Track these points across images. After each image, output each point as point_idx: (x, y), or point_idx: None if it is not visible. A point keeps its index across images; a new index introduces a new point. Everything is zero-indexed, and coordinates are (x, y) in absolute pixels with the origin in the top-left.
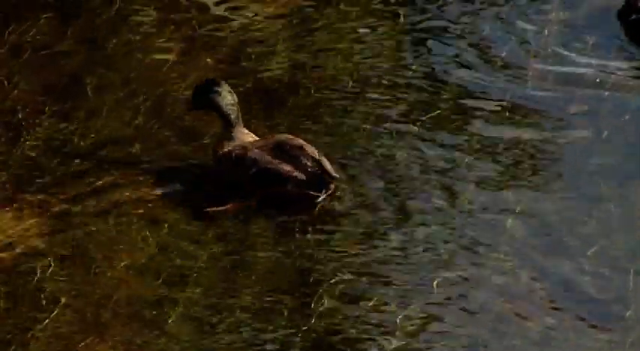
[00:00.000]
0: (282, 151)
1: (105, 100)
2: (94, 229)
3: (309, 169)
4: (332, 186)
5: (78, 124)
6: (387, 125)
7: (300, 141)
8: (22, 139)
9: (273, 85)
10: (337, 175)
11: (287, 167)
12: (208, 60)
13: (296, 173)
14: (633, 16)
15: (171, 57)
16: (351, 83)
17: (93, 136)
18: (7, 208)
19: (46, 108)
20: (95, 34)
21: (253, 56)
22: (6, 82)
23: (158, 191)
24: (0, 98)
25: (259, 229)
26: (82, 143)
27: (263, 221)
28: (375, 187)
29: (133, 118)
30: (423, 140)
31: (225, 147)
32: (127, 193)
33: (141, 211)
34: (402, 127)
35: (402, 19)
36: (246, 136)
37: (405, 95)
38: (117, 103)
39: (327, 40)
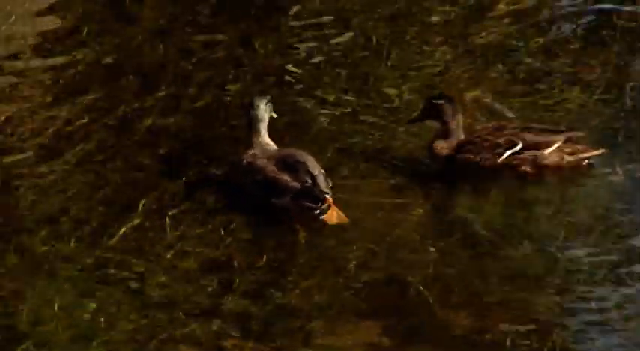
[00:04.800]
0: (285, 163)
1: None
2: None
3: (305, 183)
4: (328, 200)
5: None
6: None
7: (305, 156)
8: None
9: None
10: (327, 191)
11: (285, 177)
12: None
13: (292, 184)
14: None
15: None
16: None
17: None
18: None
19: (263, 257)
20: None
21: None
22: (222, 230)
23: None
24: (215, 245)
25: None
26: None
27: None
28: None
29: None
30: None
31: (242, 154)
32: None
33: None
34: None
35: None
36: (266, 146)
37: None
38: None
39: None
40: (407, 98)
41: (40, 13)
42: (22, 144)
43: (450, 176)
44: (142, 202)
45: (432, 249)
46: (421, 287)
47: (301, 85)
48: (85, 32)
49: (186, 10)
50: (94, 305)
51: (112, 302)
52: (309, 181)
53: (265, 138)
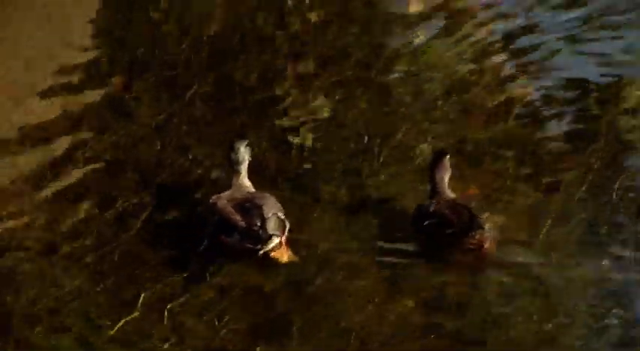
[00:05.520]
0: (243, 206)
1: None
2: None
3: (254, 226)
4: (274, 242)
5: None
6: None
7: (266, 200)
8: None
9: None
10: (275, 233)
11: (237, 218)
12: None
13: (240, 224)
14: (426, 222)
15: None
16: None
17: None
18: None
19: (257, 349)
20: (300, 276)
21: None
22: (216, 321)
23: None
24: (210, 336)
25: None
26: None
27: None
28: None
29: None
30: None
31: (215, 195)
32: None
33: None
34: None
35: None
36: (243, 188)
37: None
38: None
39: None
40: (399, 192)
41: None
42: (22, 238)
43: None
44: (142, 295)
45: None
46: None
47: (296, 182)
48: (84, 129)
49: (182, 107)
50: None
51: None
52: (258, 224)
53: (244, 180)
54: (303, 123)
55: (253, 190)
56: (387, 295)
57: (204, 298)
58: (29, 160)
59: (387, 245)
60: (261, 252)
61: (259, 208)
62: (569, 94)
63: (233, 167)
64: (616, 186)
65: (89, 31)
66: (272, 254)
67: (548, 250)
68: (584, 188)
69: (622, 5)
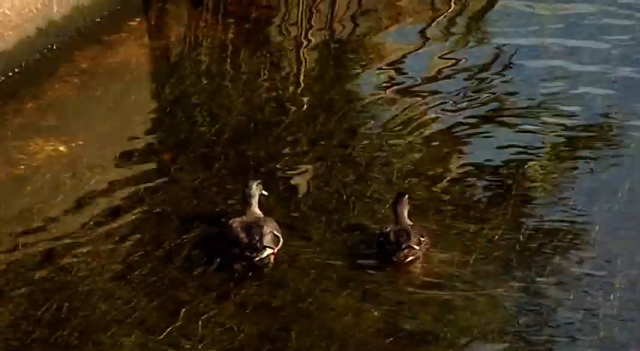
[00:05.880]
0: (248, 226)
1: None
2: None
3: (253, 241)
4: (267, 252)
5: None
6: None
7: (267, 222)
8: None
9: None
10: (269, 246)
11: (241, 235)
12: None
13: (242, 238)
14: (378, 240)
15: None
16: None
17: None
18: None
19: (264, 348)
20: (299, 293)
21: None
22: (235, 328)
23: None
24: (231, 340)
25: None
26: None
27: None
28: None
29: None
30: None
31: (231, 219)
32: None
33: None
34: None
35: None
36: (253, 214)
37: None
38: None
39: None
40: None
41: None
42: (97, 268)
43: None
44: (183, 309)
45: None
46: None
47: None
48: (142, 190)
49: (212, 174)
50: None
51: None
52: (257, 238)
53: (254, 208)
54: (297, 185)
55: (262, 215)
56: (360, 306)
57: (227, 312)
58: (95, 211)
59: (362, 261)
60: (257, 259)
61: (261, 227)
62: (490, 167)
63: (246, 200)
64: (523, 230)
65: (146, 120)
66: (264, 261)
67: (474, 278)
68: (499, 232)
69: (524, 94)
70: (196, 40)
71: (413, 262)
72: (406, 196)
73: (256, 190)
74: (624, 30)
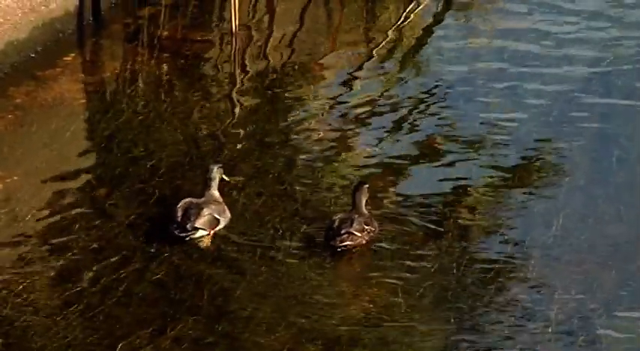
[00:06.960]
0: (190, 206)
1: None
2: None
3: (186, 221)
4: (198, 233)
5: None
6: None
7: (210, 205)
8: None
9: None
10: (201, 227)
11: (179, 214)
12: None
13: (177, 217)
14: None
15: None
16: None
17: None
18: None
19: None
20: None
21: None
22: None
23: None
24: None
25: None
26: None
27: None
28: None
29: None
30: None
31: (184, 199)
32: None
33: None
34: None
35: None
36: (210, 197)
37: None
38: None
39: None
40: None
41: None
42: (35, 297)
43: None
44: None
45: None
46: None
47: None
48: (77, 226)
49: (147, 209)
50: None
51: None
52: (192, 219)
53: (213, 190)
54: (233, 219)
55: (219, 199)
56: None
57: (162, 347)
58: (30, 247)
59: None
60: (187, 239)
61: (200, 209)
62: (429, 201)
63: (206, 182)
64: (459, 263)
65: (81, 156)
66: (197, 241)
67: (411, 311)
68: (437, 265)
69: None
70: (131, 76)
71: (352, 248)
72: (366, 185)
73: (216, 173)
74: (560, 63)
